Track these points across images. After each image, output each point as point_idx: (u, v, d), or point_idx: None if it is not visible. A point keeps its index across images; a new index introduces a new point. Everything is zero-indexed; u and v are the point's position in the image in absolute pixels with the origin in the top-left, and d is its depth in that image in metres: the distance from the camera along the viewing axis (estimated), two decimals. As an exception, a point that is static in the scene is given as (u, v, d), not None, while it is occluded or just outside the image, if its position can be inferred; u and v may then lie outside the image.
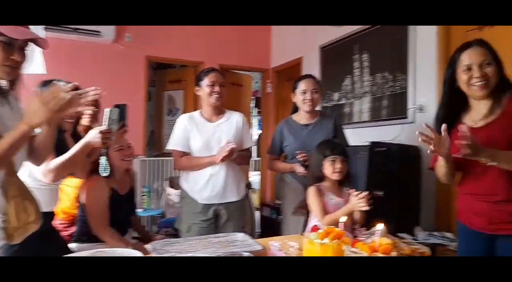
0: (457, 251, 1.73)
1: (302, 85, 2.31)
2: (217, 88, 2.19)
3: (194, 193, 2.21)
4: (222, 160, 2.09)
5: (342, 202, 1.77)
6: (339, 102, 3.68)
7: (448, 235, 2.35)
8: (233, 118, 2.28)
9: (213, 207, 2.20)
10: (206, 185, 2.18)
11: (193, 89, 2.40)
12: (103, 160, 1.91)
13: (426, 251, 2.14)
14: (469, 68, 1.44)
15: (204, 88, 2.21)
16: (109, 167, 1.93)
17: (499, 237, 1.47)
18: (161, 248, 1.38)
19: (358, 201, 1.63)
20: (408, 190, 2.59)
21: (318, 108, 2.45)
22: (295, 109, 2.43)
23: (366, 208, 1.63)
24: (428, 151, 1.40)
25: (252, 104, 5.81)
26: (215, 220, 2.24)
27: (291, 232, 2.09)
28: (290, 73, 4.61)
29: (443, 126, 1.38)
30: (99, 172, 1.92)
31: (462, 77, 1.46)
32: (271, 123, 4.90)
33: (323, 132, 2.29)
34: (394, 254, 1.12)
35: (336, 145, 1.89)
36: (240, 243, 1.49)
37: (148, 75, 4.36)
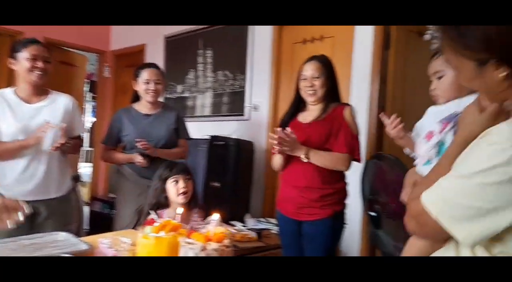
0: (279, 234, 1.99)
1: (145, 74, 2.18)
2: (40, 64, 1.84)
3: (4, 188, 1.82)
4: (60, 152, 1.80)
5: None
6: (183, 95, 3.68)
7: (272, 220, 2.65)
8: (60, 101, 1.96)
9: (29, 204, 1.85)
10: (19, 179, 1.83)
11: (5, 62, 1.96)
12: None
13: (253, 236, 2.37)
14: (305, 79, 1.77)
15: (22, 62, 1.83)
16: None
17: (303, 222, 1.78)
18: None
19: None
20: (242, 181, 2.79)
21: (160, 99, 2.37)
22: (136, 98, 2.29)
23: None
24: (277, 151, 1.69)
25: (86, 88, 5.21)
26: (31, 218, 1.90)
27: (126, 228, 1.97)
28: (132, 59, 4.33)
29: (287, 130, 1.68)
30: None
31: (300, 84, 1.80)
32: (108, 111, 4.51)
33: (165, 123, 2.22)
34: (226, 241, 1.18)
35: (175, 164, 1.78)
36: (61, 244, 1.30)
37: None
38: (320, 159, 1.69)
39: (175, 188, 1.68)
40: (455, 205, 0.69)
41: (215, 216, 1.24)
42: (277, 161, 1.82)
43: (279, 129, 1.64)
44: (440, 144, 0.95)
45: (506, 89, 0.72)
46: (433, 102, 1.13)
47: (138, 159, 2.07)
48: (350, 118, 1.77)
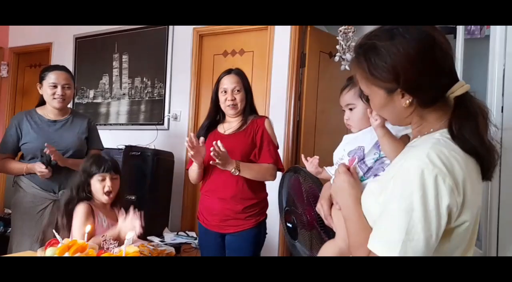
0: (199, 248, 1.96)
1: (51, 77, 1.95)
2: None
3: None
4: None
5: (113, 225, 1.56)
6: (95, 101, 3.42)
7: (192, 234, 2.59)
8: None
9: None
10: None
11: None
12: None
13: (172, 251, 2.28)
14: (225, 91, 1.78)
15: None
16: None
17: (227, 234, 1.78)
18: None
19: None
20: (160, 193, 2.68)
21: (69, 105, 2.15)
22: (42, 102, 2.05)
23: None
24: (190, 155, 1.68)
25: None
26: None
27: (24, 248, 1.75)
28: (36, 58, 3.92)
29: (201, 139, 1.67)
30: None
31: (220, 98, 1.80)
32: (5, 115, 4.00)
33: (74, 131, 2.02)
34: (141, 261, 1.11)
35: (104, 159, 1.65)
36: None
37: None
38: (250, 171, 1.70)
39: (100, 186, 1.58)
40: (411, 242, 0.73)
41: (129, 235, 1.17)
42: (194, 171, 1.79)
43: (219, 142, 1.60)
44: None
45: (411, 115, 0.82)
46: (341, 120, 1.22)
47: (40, 168, 1.84)
48: (270, 129, 1.83)
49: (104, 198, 1.59)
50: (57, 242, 1.24)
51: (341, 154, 1.11)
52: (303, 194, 1.50)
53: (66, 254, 1.17)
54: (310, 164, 1.24)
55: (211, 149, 1.58)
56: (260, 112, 2.48)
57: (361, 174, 1.04)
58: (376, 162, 1.03)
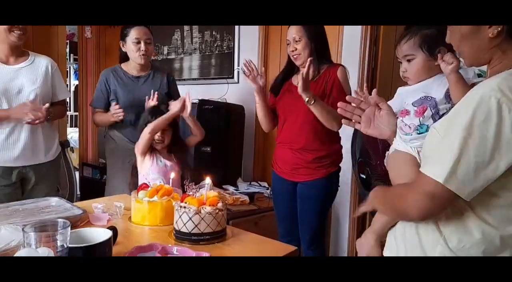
0: (272, 195, 2.07)
1: (134, 33, 2.03)
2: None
3: None
4: (30, 123, 1.75)
5: (170, 164, 1.75)
6: (169, 57, 3.57)
7: (264, 184, 2.69)
8: (40, 63, 1.90)
9: (17, 170, 1.84)
10: (7, 145, 1.80)
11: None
12: None
13: (246, 199, 2.42)
14: (288, 43, 1.78)
15: None
16: None
17: (298, 182, 1.83)
18: None
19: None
20: (232, 145, 2.79)
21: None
22: (124, 58, 2.18)
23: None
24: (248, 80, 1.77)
25: (67, 49, 5.00)
26: (21, 184, 1.90)
27: (117, 193, 1.98)
28: (115, 19, 4.14)
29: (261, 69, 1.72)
30: None
31: (287, 50, 1.81)
32: (91, 73, 4.37)
33: (157, 86, 2.12)
34: (220, 205, 1.20)
35: (159, 111, 1.78)
36: (54, 209, 1.30)
37: None
38: (322, 108, 1.66)
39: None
40: (458, 168, 0.71)
41: (207, 180, 1.25)
42: (258, 108, 1.86)
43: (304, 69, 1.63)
44: (420, 127, 0.97)
45: (492, 49, 0.77)
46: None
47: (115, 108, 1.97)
48: (343, 78, 1.76)
49: (157, 146, 1.74)
50: (147, 186, 1.37)
51: (403, 106, 1.03)
52: (378, 144, 1.45)
53: (155, 197, 1.29)
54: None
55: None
56: (332, 58, 2.39)
57: (431, 123, 0.97)
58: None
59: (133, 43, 2.04)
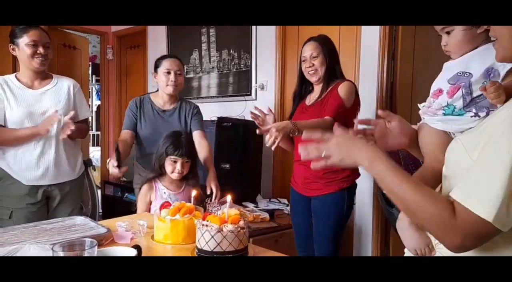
0: (290, 210, 2.07)
1: (166, 64, 2.05)
2: (41, 50, 1.84)
3: (16, 173, 1.85)
4: (67, 136, 1.81)
5: (175, 195, 1.74)
6: (188, 76, 3.64)
7: (284, 200, 2.67)
8: (63, 85, 1.97)
9: (42, 188, 1.89)
10: (33, 164, 1.85)
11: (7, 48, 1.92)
12: None
13: (266, 216, 2.40)
14: (305, 60, 1.80)
15: (23, 49, 1.83)
16: None
17: (312, 197, 1.85)
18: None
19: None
20: (251, 162, 2.80)
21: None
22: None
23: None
24: (258, 132, 1.68)
25: (89, 71, 5.18)
26: (46, 202, 1.94)
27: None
28: (134, 40, 4.28)
29: (267, 108, 1.75)
30: None
31: (302, 67, 1.83)
32: (113, 93, 4.51)
33: (181, 119, 2.11)
34: (241, 223, 1.19)
35: (181, 144, 1.74)
36: (80, 228, 1.33)
37: None
38: (306, 125, 1.63)
39: (171, 167, 1.73)
40: (510, 206, 0.63)
41: (228, 198, 1.25)
42: (282, 145, 1.85)
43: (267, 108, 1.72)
44: (448, 108, 0.92)
45: None
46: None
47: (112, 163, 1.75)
48: (344, 91, 1.75)
49: (173, 175, 1.73)
50: (169, 204, 1.39)
51: (440, 83, 0.98)
52: (400, 158, 1.43)
53: (177, 215, 1.30)
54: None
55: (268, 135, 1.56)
56: (349, 73, 2.40)
57: (460, 105, 0.91)
58: (484, 97, 0.86)
59: (164, 74, 2.05)
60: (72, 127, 1.80)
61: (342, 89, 1.76)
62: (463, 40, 0.94)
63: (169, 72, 2.04)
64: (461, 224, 0.67)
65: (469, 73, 0.92)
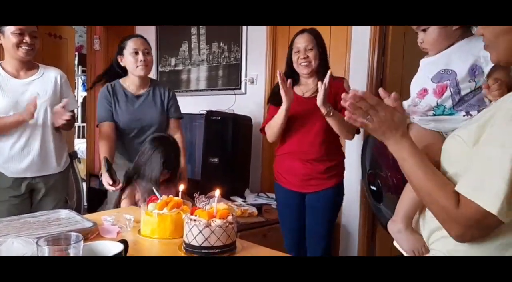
0: (277, 207, 2.02)
1: (131, 44, 1.96)
2: (27, 39, 1.79)
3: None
4: (60, 127, 1.80)
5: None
6: (176, 68, 3.60)
7: (272, 195, 2.67)
8: (49, 75, 1.92)
9: (26, 181, 1.86)
10: (17, 156, 1.81)
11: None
12: None
13: (254, 211, 2.40)
14: (298, 51, 1.76)
15: (9, 38, 1.77)
16: None
17: (307, 194, 1.82)
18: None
19: None
20: (240, 156, 2.79)
21: (150, 74, 2.13)
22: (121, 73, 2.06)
23: None
24: (283, 93, 1.67)
25: (75, 61, 5.07)
26: (30, 195, 1.90)
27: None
28: (122, 31, 4.19)
29: (289, 81, 1.68)
30: None
31: (294, 58, 1.79)
32: (99, 85, 4.41)
33: (157, 105, 2.05)
34: (230, 218, 1.18)
35: (161, 144, 1.76)
36: (65, 221, 1.30)
37: None
38: (338, 119, 1.67)
39: (161, 177, 1.74)
40: (504, 193, 0.66)
41: (216, 193, 1.24)
42: (279, 120, 1.76)
43: (289, 80, 1.64)
44: (436, 108, 0.93)
45: None
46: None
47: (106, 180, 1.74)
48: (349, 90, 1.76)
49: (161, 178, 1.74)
50: (157, 198, 1.37)
51: (423, 82, 0.99)
52: (388, 156, 1.44)
53: (165, 210, 1.29)
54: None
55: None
56: (340, 69, 2.40)
57: (450, 105, 0.92)
58: (473, 94, 0.89)
59: (131, 55, 1.95)
60: (67, 116, 1.77)
61: (348, 88, 1.77)
62: (439, 38, 0.96)
63: (136, 53, 1.94)
64: (465, 216, 0.70)
65: (451, 70, 0.92)
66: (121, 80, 2.06)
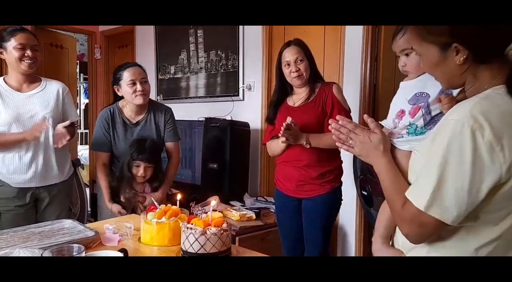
0: (275, 212, 2.08)
1: (127, 75, 1.93)
2: (29, 52, 1.84)
3: (4, 176, 1.87)
4: (59, 145, 1.85)
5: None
6: (176, 76, 3.66)
7: (270, 199, 2.73)
8: (51, 88, 1.97)
9: (31, 191, 1.91)
10: (22, 168, 1.87)
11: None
12: None
13: (252, 215, 2.45)
14: (288, 64, 1.81)
15: (11, 52, 1.84)
16: None
17: (303, 199, 1.86)
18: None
19: None
20: (238, 161, 2.84)
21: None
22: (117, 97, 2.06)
23: None
24: (281, 142, 1.74)
25: (77, 69, 5.16)
26: (35, 204, 1.97)
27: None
28: (122, 40, 4.27)
29: (289, 119, 1.68)
30: None
31: (285, 71, 1.84)
32: (101, 92, 4.51)
33: (154, 131, 2.04)
34: (224, 226, 1.24)
35: (144, 150, 1.89)
36: (68, 231, 1.37)
37: None
38: (320, 142, 1.75)
39: (135, 170, 1.91)
40: (439, 196, 0.74)
41: (213, 202, 1.31)
42: (279, 148, 1.81)
43: (289, 119, 1.68)
44: (411, 127, 0.99)
45: (464, 73, 0.80)
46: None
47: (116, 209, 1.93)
48: (340, 95, 1.82)
49: (138, 179, 1.93)
50: (156, 207, 1.43)
51: (401, 104, 1.04)
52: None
53: (163, 218, 1.35)
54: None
55: (282, 128, 1.64)
56: (333, 75, 2.45)
57: (421, 124, 0.99)
58: (442, 115, 0.94)
59: (128, 86, 1.93)
60: (68, 138, 1.84)
61: (338, 94, 1.82)
62: (420, 62, 1.00)
63: (134, 83, 1.93)
64: (406, 213, 0.80)
65: (426, 93, 0.99)
66: (120, 104, 2.06)
